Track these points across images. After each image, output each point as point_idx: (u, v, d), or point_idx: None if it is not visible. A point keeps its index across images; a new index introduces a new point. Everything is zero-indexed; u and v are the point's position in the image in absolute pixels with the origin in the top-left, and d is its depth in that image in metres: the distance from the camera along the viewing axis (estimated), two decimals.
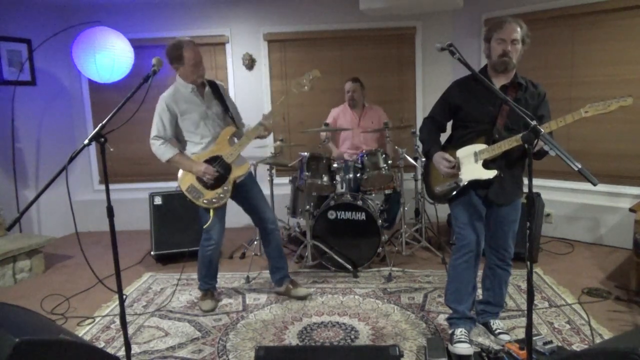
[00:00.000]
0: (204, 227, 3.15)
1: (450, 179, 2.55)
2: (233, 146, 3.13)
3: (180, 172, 3.14)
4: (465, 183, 2.49)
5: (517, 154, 2.46)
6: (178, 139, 3.19)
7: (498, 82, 2.47)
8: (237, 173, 3.14)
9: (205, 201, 3.09)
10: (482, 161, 2.45)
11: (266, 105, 5.47)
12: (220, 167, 3.09)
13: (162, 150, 3.08)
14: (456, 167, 2.51)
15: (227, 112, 3.21)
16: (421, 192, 4.35)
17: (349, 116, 4.67)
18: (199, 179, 3.09)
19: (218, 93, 3.19)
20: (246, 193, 3.25)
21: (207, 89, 3.16)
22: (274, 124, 3.22)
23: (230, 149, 3.11)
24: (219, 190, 3.10)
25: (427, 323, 2.97)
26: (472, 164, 2.48)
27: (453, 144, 2.59)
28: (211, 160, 3.09)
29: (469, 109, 2.51)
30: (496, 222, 2.59)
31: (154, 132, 3.09)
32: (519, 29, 2.38)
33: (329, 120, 4.70)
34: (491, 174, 2.43)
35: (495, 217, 2.58)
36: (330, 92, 5.34)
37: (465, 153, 2.50)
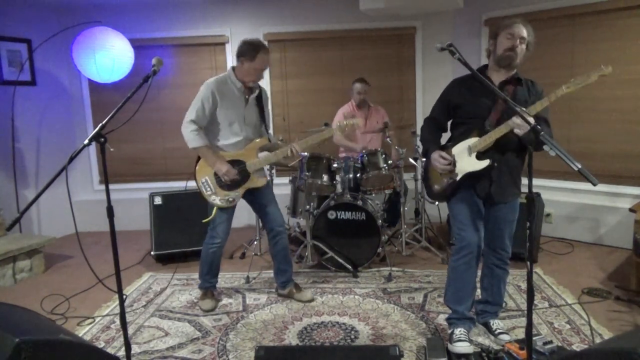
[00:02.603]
0: (204, 221, 3.16)
1: (446, 175, 2.57)
2: (259, 158, 3.15)
3: (200, 163, 3.13)
4: (460, 177, 2.51)
5: (512, 146, 2.46)
6: (206, 127, 3.12)
7: (498, 78, 2.49)
8: (253, 184, 3.17)
9: (213, 198, 3.11)
10: (475, 154, 2.47)
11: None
12: (240, 172, 3.10)
13: (193, 136, 3.01)
14: (452, 163, 2.53)
15: (263, 122, 3.24)
16: (421, 192, 4.35)
17: (356, 115, 4.66)
18: (216, 176, 3.10)
19: (260, 101, 3.21)
20: (258, 193, 3.26)
21: (253, 95, 3.16)
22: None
23: (256, 160, 3.14)
24: (231, 193, 3.12)
25: (427, 323, 2.97)
26: (465, 158, 2.50)
27: (452, 143, 2.61)
28: (234, 163, 3.11)
29: (467, 107, 2.53)
30: (494, 222, 2.60)
31: (191, 115, 3.01)
32: (526, 31, 2.42)
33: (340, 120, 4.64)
34: (483, 163, 2.45)
35: (494, 217, 2.59)
36: (330, 92, 5.34)
37: (460, 149, 2.53)
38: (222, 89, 3.04)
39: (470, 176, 2.50)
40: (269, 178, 4.41)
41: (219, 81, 3.07)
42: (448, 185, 2.58)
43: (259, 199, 3.28)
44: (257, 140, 3.20)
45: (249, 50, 3.00)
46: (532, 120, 2.01)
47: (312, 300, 3.35)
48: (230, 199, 3.13)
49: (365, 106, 4.69)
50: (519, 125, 2.25)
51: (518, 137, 2.33)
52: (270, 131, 3.39)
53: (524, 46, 2.42)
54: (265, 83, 5.41)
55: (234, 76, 3.08)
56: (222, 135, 3.12)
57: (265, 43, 3.12)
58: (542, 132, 1.80)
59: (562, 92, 2.20)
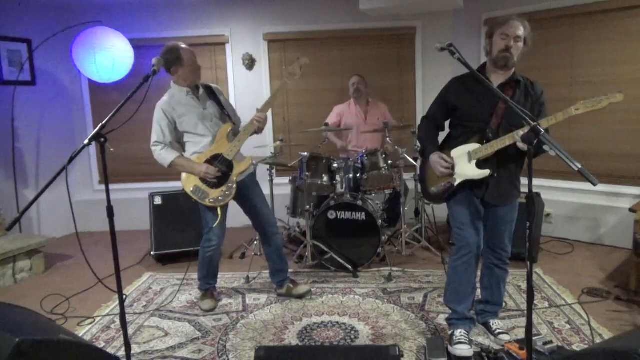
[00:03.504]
0: (214, 225, 3.14)
1: (444, 178, 2.56)
2: (232, 142, 3.12)
3: (184, 175, 3.14)
4: (458, 182, 2.50)
5: (512, 153, 2.45)
6: (179, 142, 3.20)
7: (496, 79, 2.47)
8: (239, 169, 3.13)
9: (211, 200, 3.09)
10: (475, 161, 2.46)
11: None
12: (221, 165, 3.09)
13: (163, 155, 3.09)
14: (451, 167, 2.52)
15: (224, 110, 3.22)
16: (421, 192, 4.34)
17: (354, 112, 4.68)
18: (203, 179, 3.09)
19: (212, 94, 3.21)
20: (247, 194, 3.24)
21: (202, 91, 3.18)
22: (274, 120, 3.23)
23: (230, 146, 3.11)
24: (224, 188, 3.10)
25: (427, 323, 2.97)
26: (465, 164, 2.49)
27: (449, 144, 2.60)
28: (212, 159, 3.09)
29: (466, 108, 2.51)
30: (493, 222, 2.59)
31: (153, 138, 3.11)
32: (522, 28, 2.39)
33: (334, 118, 4.69)
34: (484, 173, 2.44)
35: (493, 217, 2.58)
36: (330, 92, 5.34)
37: (460, 153, 2.51)
38: (171, 102, 3.08)
39: (469, 181, 2.50)
40: (269, 178, 4.43)
41: (167, 98, 3.11)
42: (445, 189, 2.58)
43: (249, 199, 3.26)
44: (221, 128, 3.16)
45: (172, 56, 3.00)
46: (531, 122, 2.00)
47: (309, 291, 3.37)
48: (227, 193, 3.11)
49: (363, 102, 4.68)
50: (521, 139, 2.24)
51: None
52: (240, 118, 3.36)
53: (520, 44, 2.39)
54: (265, 83, 5.42)
55: (177, 86, 3.12)
56: (193, 142, 3.13)
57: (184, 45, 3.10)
58: (543, 132, 1.79)
59: (571, 113, 2.17)
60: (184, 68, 3.04)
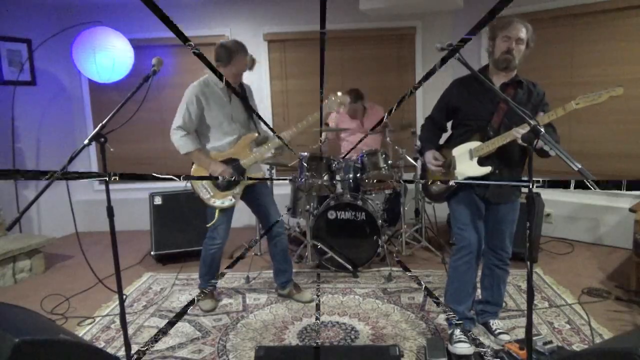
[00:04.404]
0: (207, 225, 3.15)
1: (445, 177, 2.57)
2: (252, 153, 3.13)
3: (194, 167, 3.13)
4: (460, 180, 2.50)
5: (513, 151, 2.46)
6: (196, 131, 3.14)
7: (498, 81, 2.48)
8: (250, 180, 3.14)
9: (213, 201, 3.10)
10: (476, 158, 2.46)
11: (266, 106, 5.47)
12: (235, 171, 3.08)
13: (183, 142, 3.01)
14: (451, 165, 2.53)
15: (252, 117, 3.21)
16: (421, 192, 4.35)
17: (348, 120, 4.68)
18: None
19: (245, 96, 3.18)
20: (256, 194, 3.24)
21: (237, 90, 3.13)
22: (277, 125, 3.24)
23: (251, 157, 3.12)
24: (229, 193, 3.11)
25: (427, 323, 2.97)
26: (467, 162, 2.49)
27: (451, 143, 2.61)
28: (227, 162, 3.09)
29: (467, 109, 2.52)
30: (494, 222, 2.60)
31: (178, 122, 3.02)
32: (525, 30, 2.39)
33: (330, 123, 4.69)
34: (485, 170, 2.44)
35: (494, 217, 2.59)
36: (330, 92, 5.30)
37: (461, 151, 2.52)
38: (205, 90, 3.03)
39: (470, 179, 2.50)
40: (267, 176, 4.42)
41: (202, 83, 3.05)
42: (447, 187, 2.58)
43: (258, 199, 3.27)
44: (247, 135, 3.16)
45: (224, 55, 2.97)
46: (532, 121, 2.00)
47: (311, 301, 3.35)
48: (230, 199, 3.12)
49: (358, 113, 4.68)
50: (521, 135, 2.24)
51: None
52: (262, 125, 3.36)
53: (522, 47, 2.40)
54: (265, 83, 5.42)
55: (215, 77, 3.07)
56: (214, 136, 3.11)
57: (243, 43, 3.04)
58: (543, 132, 1.79)
59: (572, 107, 2.18)
60: (224, 69, 2.98)
